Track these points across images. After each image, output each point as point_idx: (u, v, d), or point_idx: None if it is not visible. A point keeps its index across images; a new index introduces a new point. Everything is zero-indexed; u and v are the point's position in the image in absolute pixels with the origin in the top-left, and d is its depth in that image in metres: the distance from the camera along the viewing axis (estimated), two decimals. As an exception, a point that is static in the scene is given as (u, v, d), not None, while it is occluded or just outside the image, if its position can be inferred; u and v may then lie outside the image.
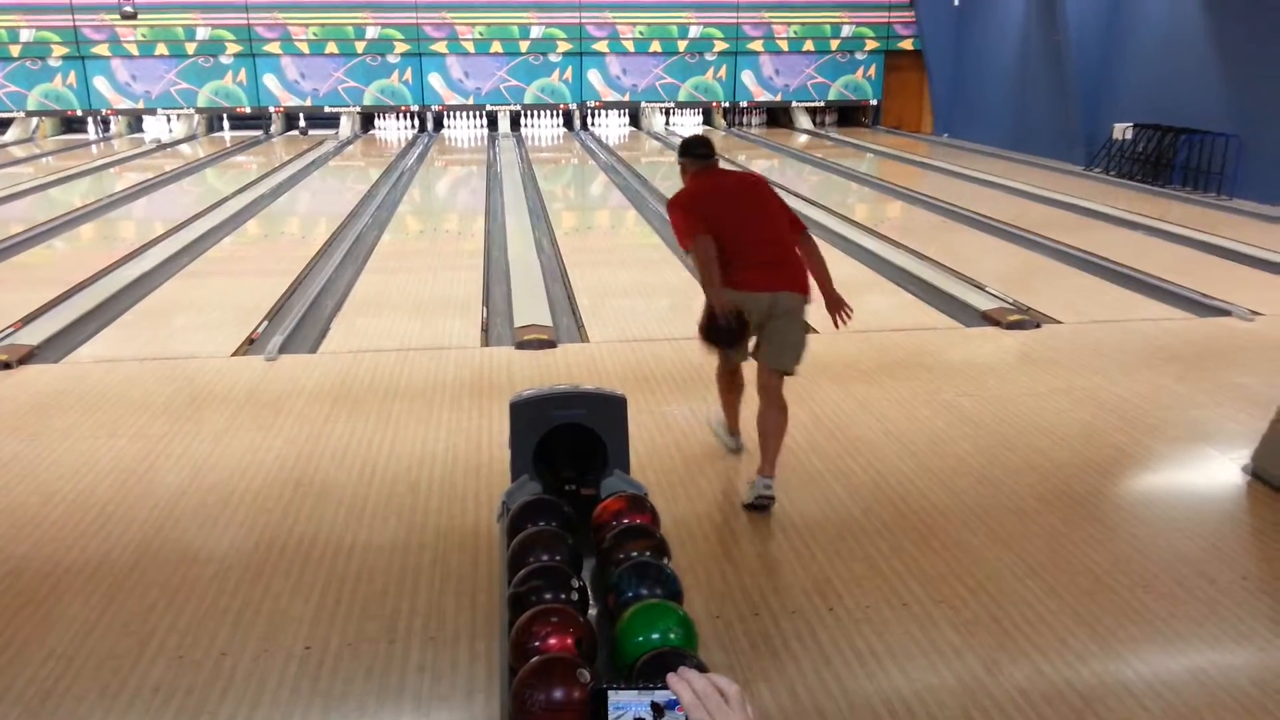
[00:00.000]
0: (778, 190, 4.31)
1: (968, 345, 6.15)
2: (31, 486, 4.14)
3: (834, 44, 20.17)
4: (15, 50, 18.25)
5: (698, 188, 4.10)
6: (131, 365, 5.68)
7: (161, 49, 18.62)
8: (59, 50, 18.37)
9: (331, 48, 19.02)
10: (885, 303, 7.22)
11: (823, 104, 20.68)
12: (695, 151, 4.19)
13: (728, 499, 4.01)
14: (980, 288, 7.40)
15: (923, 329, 6.45)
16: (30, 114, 18.73)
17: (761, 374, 4.02)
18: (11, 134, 18.67)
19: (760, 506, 3.87)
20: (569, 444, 3.43)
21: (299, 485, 4.12)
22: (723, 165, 4.26)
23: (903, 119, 20.47)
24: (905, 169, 14.87)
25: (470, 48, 19.31)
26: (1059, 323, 6.58)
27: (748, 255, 3.94)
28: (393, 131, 19.73)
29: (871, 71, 20.44)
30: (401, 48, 19.16)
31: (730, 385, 4.40)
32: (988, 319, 6.60)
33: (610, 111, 20.25)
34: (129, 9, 11.60)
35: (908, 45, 20.04)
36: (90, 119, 19.26)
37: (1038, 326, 6.46)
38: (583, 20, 19.45)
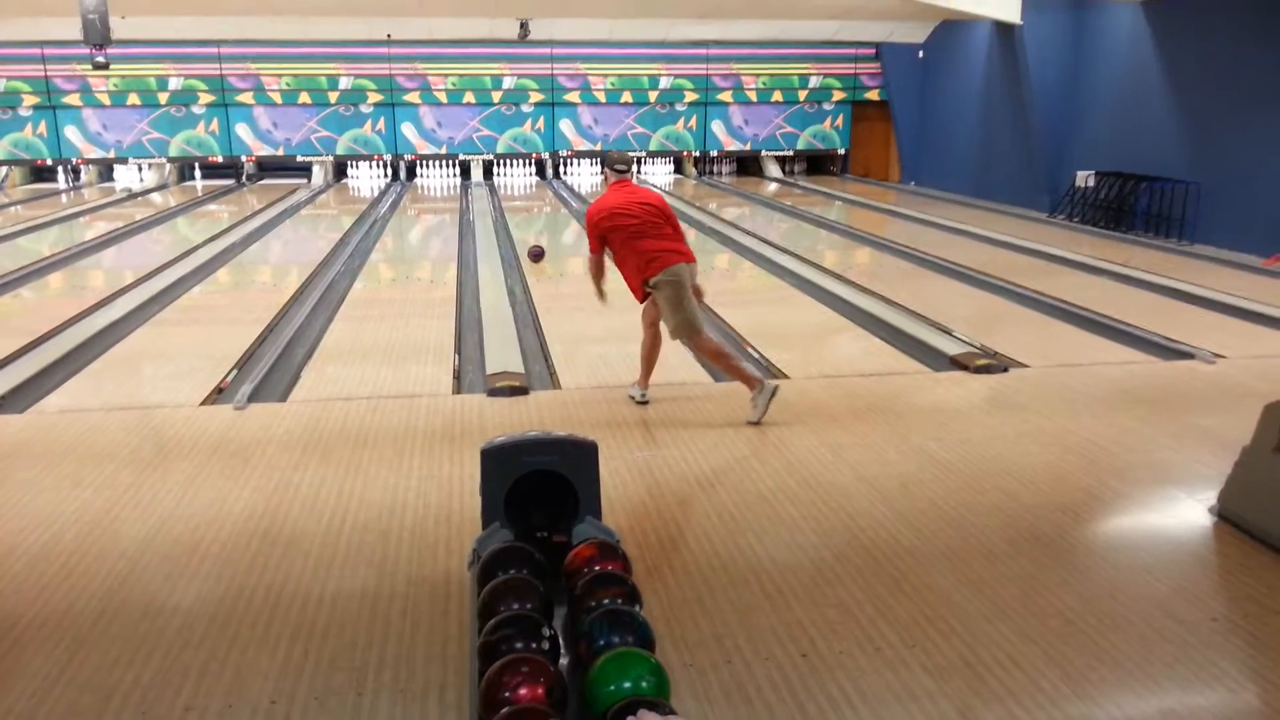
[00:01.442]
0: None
1: (937, 390, 6.20)
2: (-8, 539, 4.06)
3: (802, 94, 20.51)
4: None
5: (613, 200, 5.66)
6: (98, 415, 5.62)
7: (134, 98, 18.65)
8: (29, 99, 18.34)
9: (304, 98, 19.12)
10: (855, 348, 7.29)
11: (792, 153, 20.97)
12: (615, 166, 5.84)
13: (700, 545, 4.01)
14: (948, 333, 7.47)
15: (892, 374, 6.50)
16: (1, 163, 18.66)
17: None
18: None
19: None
20: (540, 491, 3.42)
21: (267, 535, 4.07)
22: (666, 205, 5.73)
23: (870, 167, 20.80)
24: (873, 216, 15.08)
25: (443, 98, 19.47)
26: (1026, 366, 6.65)
27: (654, 243, 5.60)
28: (365, 180, 19.80)
29: (839, 121, 20.78)
30: (374, 98, 19.29)
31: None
32: (956, 364, 6.66)
33: (582, 160, 20.44)
34: (101, 59, 11.61)
35: (874, 95, 20.41)
36: (60, 168, 19.21)
37: (1005, 371, 6.52)
38: (555, 72, 19.68)
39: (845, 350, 7.34)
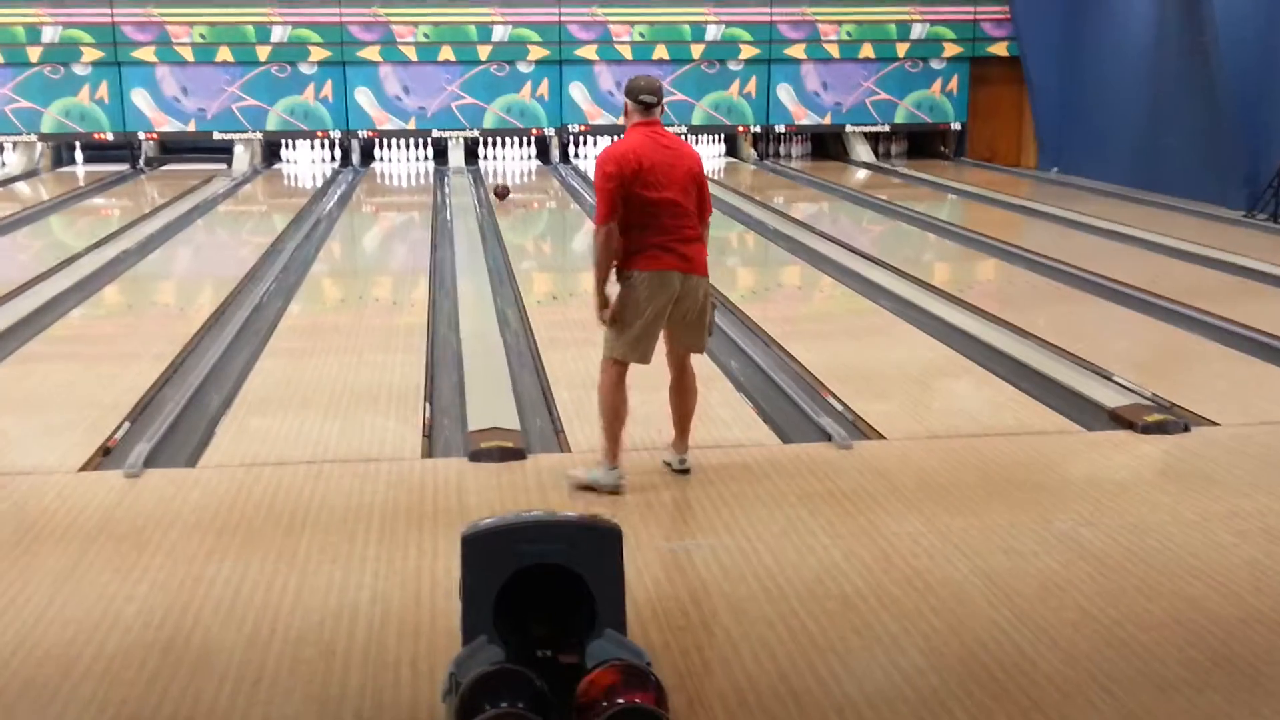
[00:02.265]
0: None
1: (1091, 455, 6.16)
2: None
3: (902, 49, 20.61)
4: None
5: (640, 147, 5.49)
6: (-59, 484, 5.70)
7: (-5, 56, 19.02)
8: None
9: (224, 54, 19.43)
10: (977, 397, 7.26)
11: (888, 128, 21.05)
12: (640, 97, 5.56)
13: (762, 669, 3.99)
14: (1106, 377, 7.45)
15: (1029, 433, 6.47)
16: None
17: (678, 354, 5.82)
18: None
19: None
20: (543, 593, 3.43)
21: (169, 649, 4.09)
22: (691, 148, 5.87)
23: (996, 148, 20.82)
24: (1001, 215, 15.08)
25: (411, 54, 19.72)
26: (1214, 424, 6.61)
27: (666, 234, 5.51)
28: (305, 165, 20.07)
29: (953, 85, 20.85)
30: (319, 54, 19.58)
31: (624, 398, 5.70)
32: (1117, 419, 6.63)
33: (600, 138, 20.59)
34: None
35: (1001, 50, 20.47)
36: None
37: (1186, 430, 6.48)
38: (563, 18, 19.92)
39: (963, 400, 7.31)
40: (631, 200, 5.42)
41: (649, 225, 5.46)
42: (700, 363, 7.80)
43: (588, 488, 5.58)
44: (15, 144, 19.62)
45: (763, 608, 4.45)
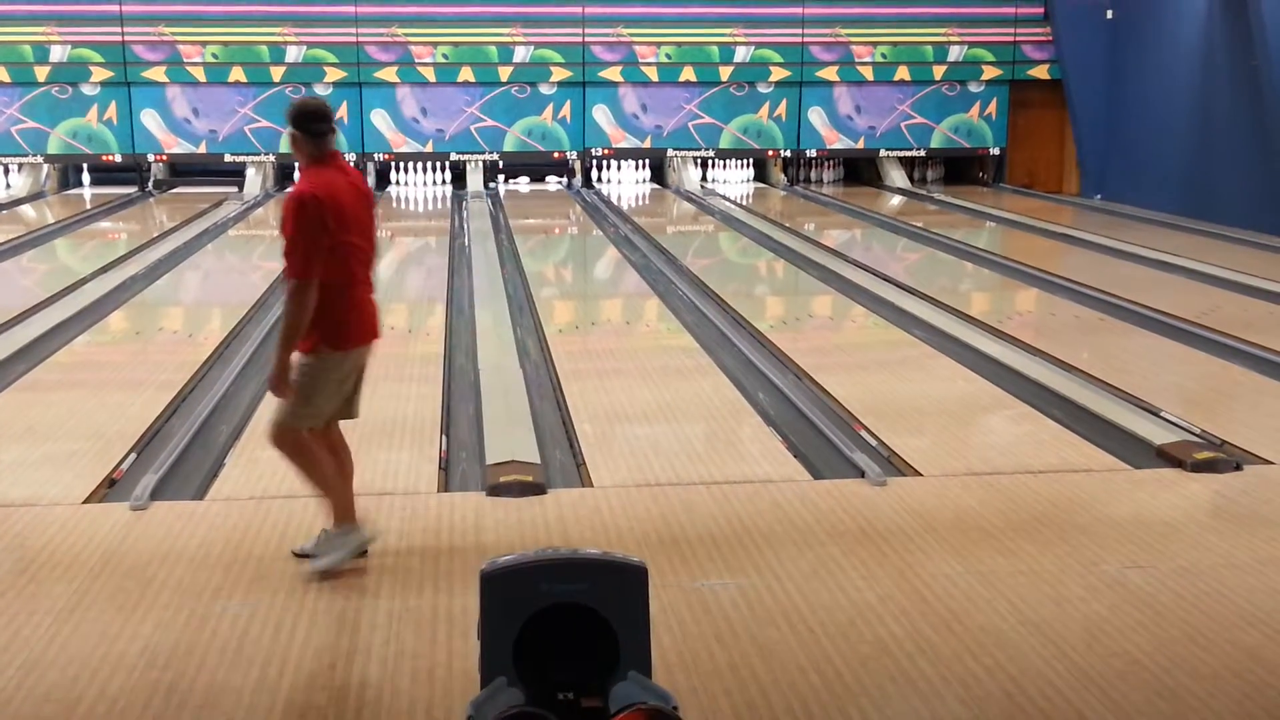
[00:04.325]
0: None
1: (1138, 495, 6.13)
2: None
3: (939, 71, 20.65)
4: None
5: (332, 185, 4.99)
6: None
7: (0, 74, 19.21)
8: None
9: (237, 74, 19.60)
10: (1017, 433, 7.24)
11: (923, 153, 21.07)
12: (312, 126, 5.02)
13: (792, 714, 3.96)
14: (1154, 413, 7.40)
15: (1072, 471, 6.45)
16: None
17: (336, 429, 5.35)
18: None
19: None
20: (565, 634, 3.41)
21: (173, 691, 4.09)
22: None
23: (1036, 174, 20.80)
24: (1041, 244, 15.07)
25: (430, 75, 19.86)
26: (1268, 463, 6.56)
27: (360, 293, 5.17)
28: (318, 189, 20.14)
29: (992, 109, 20.86)
30: (335, 74, 19.72)
31: (336, 460, 5.27)
32: (1166, 457, 6.59)
33: (624, 162, 20.68)
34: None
35: (1042, 73, 20.49)
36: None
37: (1238, 468, 6.44)
38: (587, 39, 20.02)
39: (1002, 436, 7.30)
40: (335, 251, 4.92)
41: (346, 283, 5.01)
42: (728, 395, 7.88)
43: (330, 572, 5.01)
44: (21, 165, 19.77)
45: (793, 651, 4.42)
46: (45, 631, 4.53)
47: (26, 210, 18.18)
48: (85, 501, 5.95)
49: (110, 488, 6.15)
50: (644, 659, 3.71)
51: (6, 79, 19.23)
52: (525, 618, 3.57)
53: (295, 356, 4.95)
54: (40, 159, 19.67)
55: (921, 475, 6.38)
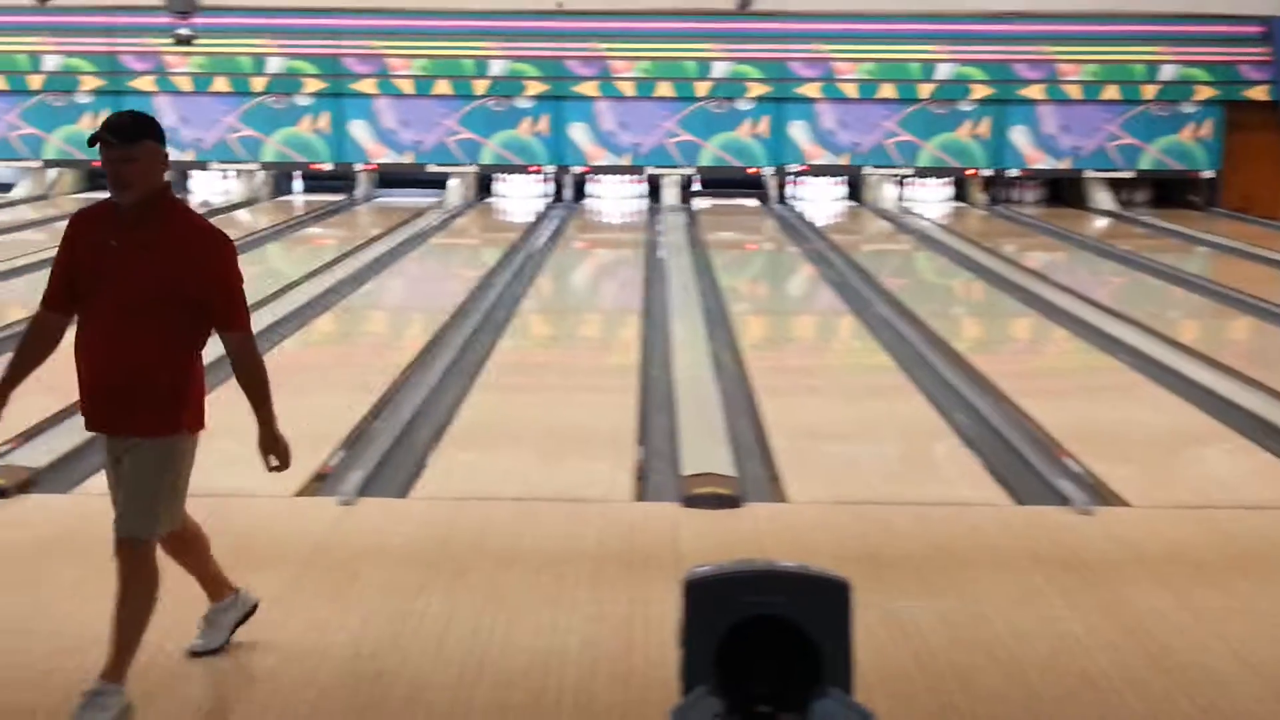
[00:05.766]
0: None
1: (1365, 534, 5.86)
2: (22, 662, 4.35)
3: (1149, 90, 20.06)
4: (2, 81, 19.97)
5: None
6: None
7: (221, 84, 20.07)
8: (89, 82, 19.97)
9: (442, 87, 20.09)
10: (1231, 465, 7.04)
11: (1132, 175, 20.46)
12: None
13: (995, 745, 3.88)
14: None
15: (1294, 506, 6.21)
16: (50, 164, 20.36)
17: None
18: (21, 189, 20.29)
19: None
20: (766, 646, 3.38)
21: (378, 682, 4.19)
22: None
23: (1254, 198, 20.01)
24: (1258, 271, 14.47)
25: (628, 89, 20.06)
26: None
27: None
28: (519, 199, 20.55)
29: (1205, 130, 20.17)
30: (536, 88, 20.07)
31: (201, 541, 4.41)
32: (1394, 496, 6.30)
33: (820, 178, 20.57)
34: (185, 31, 12.64)
35: (1260, 94, 19.76)
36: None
37: None
38: (786, 55, 19.97)
39: (1216, 468, 7.08)
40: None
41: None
42: (925, 415, 7.77)
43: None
44: (238, 172, 20.63)
45: (994, 680, 4.32)
46: (257, 617, 4.65)
47: (242, 215, 18.92)
48: (296, 494, 6.11)
49: (320, 482, 6.33)
50: (845, 676, 3.65)
51: (227, 88, 20.05)
52: (727, 628, 3.56)
53: (156, 445, 4.05)
54: (256, 166, 20.49)
55: (1129, 505, 6.19)
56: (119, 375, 3.98)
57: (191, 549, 4.35)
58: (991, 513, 6.07)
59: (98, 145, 3.96)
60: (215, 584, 4.40)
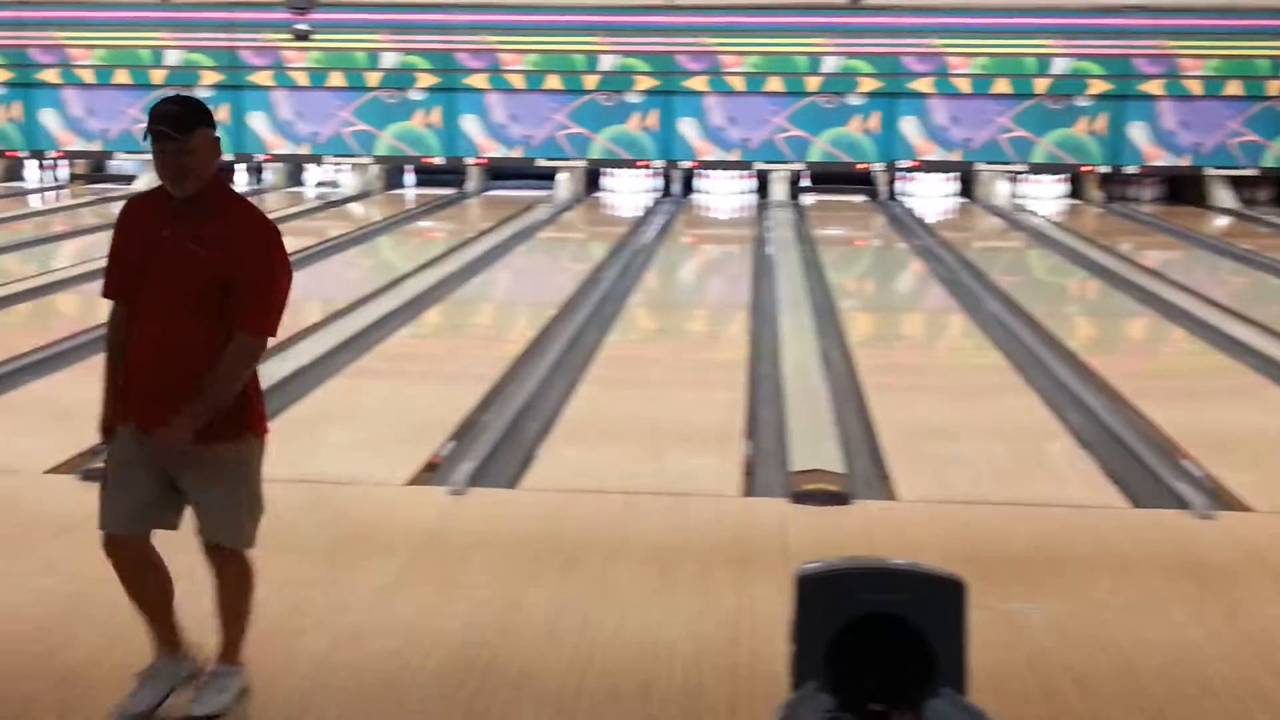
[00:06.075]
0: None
1: None
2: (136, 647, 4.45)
3: (1274, 86, 19.58)
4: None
5: None
6: (267, 489, 6.07)
7: (336, 78, 20.40)
8: (209, 77, 20.38)
9: (552, 82, 20.23)
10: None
11: (1256, 173, 19.98)
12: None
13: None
14: None
15: None
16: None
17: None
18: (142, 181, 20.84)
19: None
20: (879, 644, 3.35)
21: (489, 671, 4.22)
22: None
23: (1383, 198, 19.48)
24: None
25: (738, 84, 20.03)
26: None
27: None
28: (627, 194, 20.61)
29: (1333, 127, 19.65)
30: (645, 83, 20.12)
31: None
32: None
33: (931, 175, 20.36)
34: (303, 26, 12.86)
35: (1393, 89, 19.17)
36: (242, 166, 21.25)
37: None
38: (898, 49, 19.79)
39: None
40: None
41: None
42: (1038, 415, 7.65)
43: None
44: (352, 165, 20.95)
45: (1111, 685, 4.24)
46: (365, 604, 4.74)
47: (355, 208, 19.21)
48: (408, 484, 6.21)
49: (430, 471, 6.40)
50: (959, 676, 3.60)
51: (342, 83, 20.38)
52: (840, 624, 3.53)
53: (222, 453, 3.85)
54: (369, 159, 20.80)
55: (1252, 511, 6.03)
56: (175, 375, 3.72)
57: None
58: (1107, 515, 5.95)
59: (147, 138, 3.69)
60: (229, 645, 4.00)
